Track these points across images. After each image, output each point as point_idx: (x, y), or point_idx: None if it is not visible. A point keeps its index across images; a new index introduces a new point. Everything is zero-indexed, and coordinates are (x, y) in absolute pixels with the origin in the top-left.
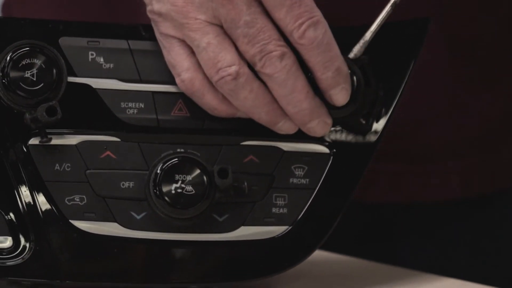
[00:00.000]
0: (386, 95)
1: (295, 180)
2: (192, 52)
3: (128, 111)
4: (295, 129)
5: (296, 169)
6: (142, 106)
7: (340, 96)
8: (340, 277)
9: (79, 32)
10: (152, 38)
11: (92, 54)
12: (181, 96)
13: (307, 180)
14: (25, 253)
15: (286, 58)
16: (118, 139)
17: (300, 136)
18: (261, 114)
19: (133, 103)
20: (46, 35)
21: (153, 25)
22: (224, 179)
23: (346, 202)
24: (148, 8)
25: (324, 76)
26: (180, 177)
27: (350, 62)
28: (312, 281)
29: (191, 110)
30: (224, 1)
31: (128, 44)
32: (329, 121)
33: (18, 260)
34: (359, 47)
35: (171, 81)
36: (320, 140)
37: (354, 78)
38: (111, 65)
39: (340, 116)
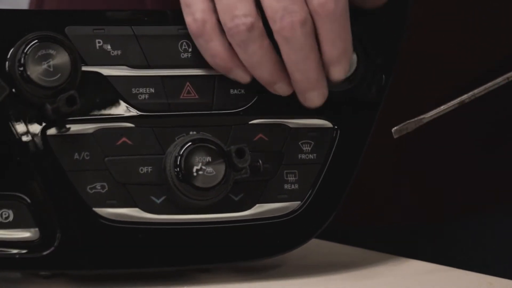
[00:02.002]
0: (383, 63)
1: (303, 156)
2: None
3: (140, 96)
4: (289, 93)
5: (304, 145)
6: (153, 91)
7: (338, 73)
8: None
9: (84, 21)
10: (155, 22)
11: (99, 42)
12: (188, 79)
13: (315, 155)
14: (52, 244)
15: (307, 25)
16: (133, 125)
17: (305, 112)
18: (263, 72)
19: (144, 89)
20: (52, 25)
21: None
22: (242, 158)
23: (352, 174)
24: None
25: (330, 51)
26: (200, 159)
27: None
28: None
29: (199, 92)
30: None
31: (133, 30)
32: (327, 92)
33: (46, 251)
34: (413, 125)
35: (177, 64)
36: (324, 115)
37: (354, 56)
38: (119, 52)
39: (334, 90)
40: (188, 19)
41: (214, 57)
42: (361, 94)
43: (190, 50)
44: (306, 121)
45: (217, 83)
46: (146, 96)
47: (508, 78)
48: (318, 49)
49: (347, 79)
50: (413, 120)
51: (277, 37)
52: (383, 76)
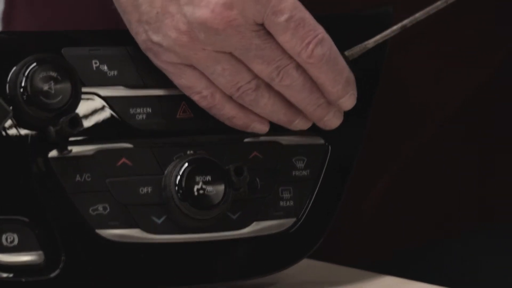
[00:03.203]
0: (367, 83)
1: (297, 173)
2: (202, 73)
3: (137, 116)
4: (309, 125)
5: (297, 162)
6: (150, 111)
7: (349, 102)
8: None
9: (80, 41)
10: None
11: (95, 63)
12: (184, 98)
13: (308, 171)
14: (58, 267)
15: (300, 68)
16: (131, 145)
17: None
18: (280, 116)
19: (141, 109)
20: (49, 47)
21: (148, 52)
22: (241, 176)
23: (344, 189)
24: (143, 36)
25: (334, 89)
26: (200, 178)
27: (346, 59)
28: None
29: (195, 111)
30: (232, 33)
31: (128, 50)
32: (341, 113)
33: (52, 274)
34: (359, 50)
35: (173, 84)
36: (315, 132)
37: None
38: (115, 72)
39: None
40: (195, 97)
41: (231, 119)
42: (350, 111)
43: None
44: (298, 138)
45: None
46: (144, 116)
47: (447, 1)
48: None
49: None
50: (358, 46)
51: (279, 89)
52: (368, 93)
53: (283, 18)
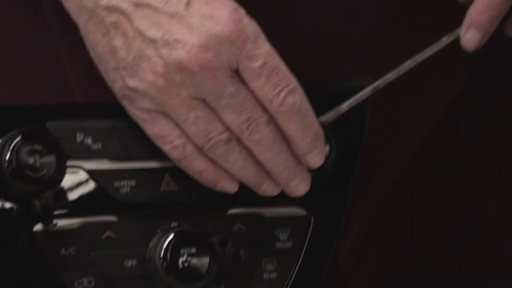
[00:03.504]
0: (349, 153)
1: (280, 244)
2: (175, 122)
3: (122, 189)
4: (278, 191)
5: (280, 234)
6: (134, 184)
7: (317, 159)
8: None
9: (64, 115)
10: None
11: (80, 136)
12: (167, 171)
13: (291, 243)
14: None
15: (271, 123)
16: (116, 218)
17: (279, 200)
18: (249, 175)
19: (125, 182)
20: (33, 120)
21: (124, 101)
22: (225, 249)
23: (327, 259)
24: (119, 84)
25: (303, 142)
26: (185, 250)
27: (322, 125)
28: None
29: (178, 184)
30: (207, 77)
31: (111, 123)
32: (309, 177)
33: None
34: (333, 115)
35: (156, 156)
36: (298, 204)
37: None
38: (100, 145)
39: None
40: (166, 147)
41: (201, 173)
42: (332, 180)
43: None
44: (281, 210)
45: None
46: (128, 189)
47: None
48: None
49: (321, 167)
50: (332, 111)
51: (248, 144)
52: (348, 164)
53: (257, 63)
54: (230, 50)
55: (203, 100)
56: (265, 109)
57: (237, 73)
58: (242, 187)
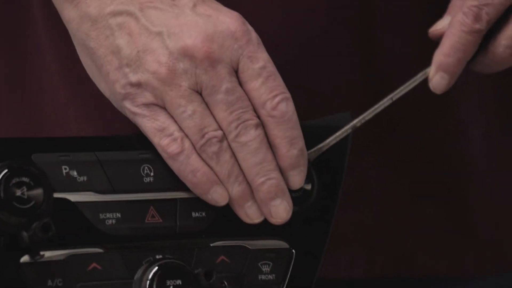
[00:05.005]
0: (329, 190)
1: (263, 277)
2: (173, 117)
3: (107, 221)
4: (259, 216)
5: (263, 266)
6: (119, 216)
7: (298, 178)
8: None
9: (49, 148)
10: (117, 148)
11: (65, 169)
12: (152, 203)
13: (274, 275)
14: None
15: (260, 129)
16: (101, 250)
17: (263, 233)
18: (235, 183)
19: (111, 214)
20: (19, 153)
21: (125, 101)
22: (210, 280)
23: None
24: (122, 82)
25: (290, 153)
26: (171, 282)
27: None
28: None
29: (163, 216)
30: (208, 68)
31: (96, 155)
32: (291, 204)
33: None
34: (315, 153)
35: (141, 189)
36: (280, 237)
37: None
38: (85, 178)
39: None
40: (165, 141)
41: (195, 173)
42: (314, 215)
43: (152, 174)
44: (264, 242)
45: (179, 206)
46: (113, 221)
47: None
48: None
49: (302, 200)
50: (313, 149)
51: (233, 145)
52: (329, 199)
53: (258, 65)
54: (234, 47)
55: (201, 95)
56: (256, 114)
57: (236, 74)
58: (226, 219)
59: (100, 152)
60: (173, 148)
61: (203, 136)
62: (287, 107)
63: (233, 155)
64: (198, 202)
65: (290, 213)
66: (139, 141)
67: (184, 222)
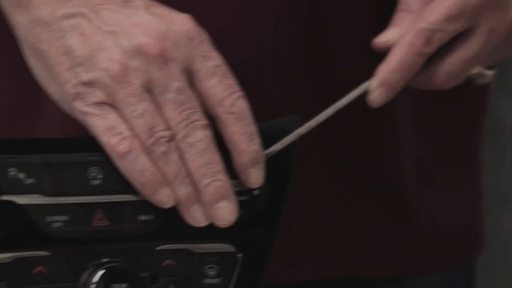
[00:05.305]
0: (276, 194)
1: (208, 281)
2: (123, 116)
3: (54, 224)
4: (205, 220)
5: (209, 270)
6: (66, 219)
7: (259, 174)
8: None
9: None
10: (65, 150)
11: (12, 171)
12: (99, 206)
13: (220, 279)
14: None
15: (208, 130)
16: (48, 253)
17: (209, 236)
18: (182, 185)
19: (58, 217)
20: None
21: (76, 101)
22: (156, 283)
23: None
24: (73, 82)
25: (250, 148)
26: (117, 286)
27: None
28: None
29: (110, 219)
30: (161, 65)
31: (44, 158)
32: (237, 207)
33: None
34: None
35: (88, 191)
36: (226, 240)
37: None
38: (32, 180)
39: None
40: (115, 139)
41: (143, 172)
42: (261, 218)
43: (100, 176)
44: (210, 245)
45: (127, 209)
46: (60, 224)
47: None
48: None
49: (249, 204)
50: None
51: (182, 145)
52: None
53: (212, 63)
54: (187, 46)
55: (152, 94)
56: (204, 116)
57: (187, 75)
58: (174, 222)
59: (48, 154)
60: (122, 147)
61: (152, 136)
62: (245, 104)
63: (181, 156)
64: (146, 205)
65: (236, 216)
66: (89, 143)
67: (132, 225)
